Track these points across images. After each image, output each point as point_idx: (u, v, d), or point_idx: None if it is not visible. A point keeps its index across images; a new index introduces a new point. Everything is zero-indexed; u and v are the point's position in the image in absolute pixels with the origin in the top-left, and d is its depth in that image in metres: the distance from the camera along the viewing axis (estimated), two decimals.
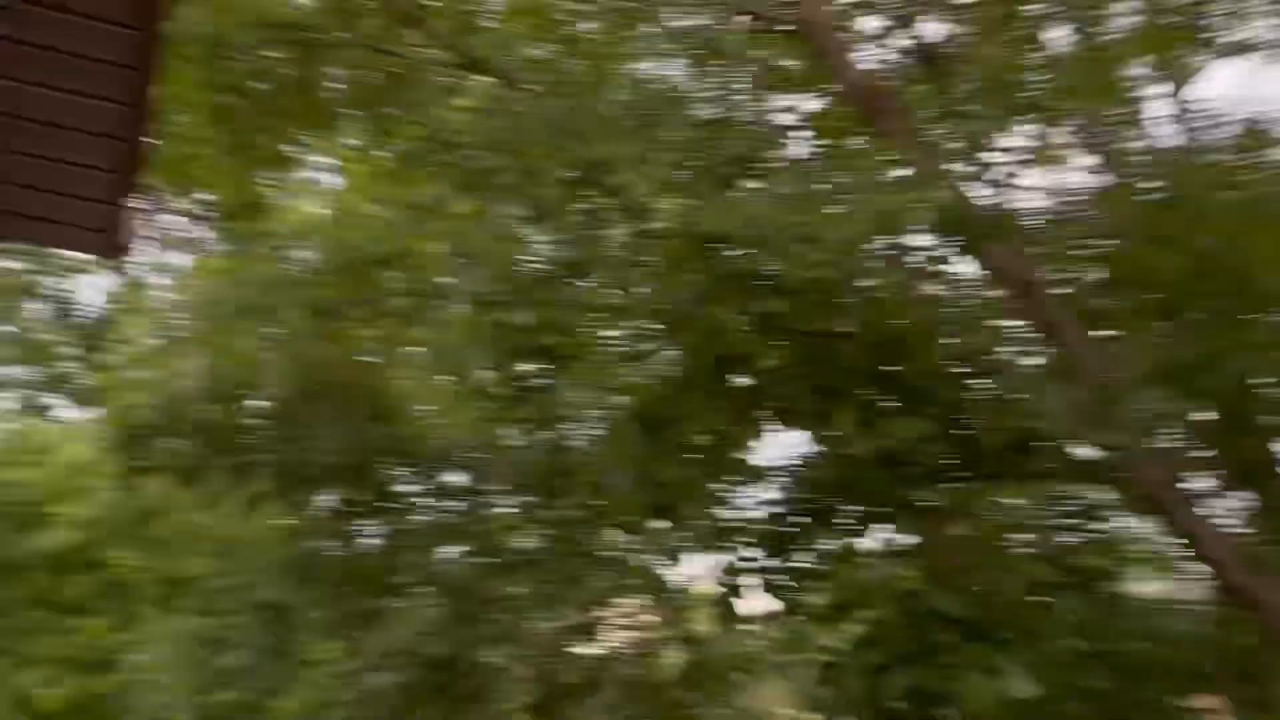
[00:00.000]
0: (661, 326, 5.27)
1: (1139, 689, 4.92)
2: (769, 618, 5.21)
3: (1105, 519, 4.76)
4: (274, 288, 7.56)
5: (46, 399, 14.60)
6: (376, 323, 8.18)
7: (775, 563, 4.94)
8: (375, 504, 9.05)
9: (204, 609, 8.84)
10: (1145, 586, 5.99)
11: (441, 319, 6.67)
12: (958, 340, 4.78)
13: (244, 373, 7.62)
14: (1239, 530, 5.56)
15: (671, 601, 7.40)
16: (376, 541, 9.20)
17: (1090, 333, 5.60)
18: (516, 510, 8.90)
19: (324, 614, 8.41)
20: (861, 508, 4.71)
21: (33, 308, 14.54)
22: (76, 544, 10.02)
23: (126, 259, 3.77)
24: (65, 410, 14.58)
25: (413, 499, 9.37)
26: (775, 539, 4.95)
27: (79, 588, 10.23)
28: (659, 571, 7.86)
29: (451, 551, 9.13)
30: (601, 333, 5.70)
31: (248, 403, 8.06)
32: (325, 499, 8.99)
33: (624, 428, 5.39)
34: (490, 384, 5.94)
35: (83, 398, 13.53)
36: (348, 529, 9.08)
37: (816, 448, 5.24)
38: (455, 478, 9.23)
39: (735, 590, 5.02)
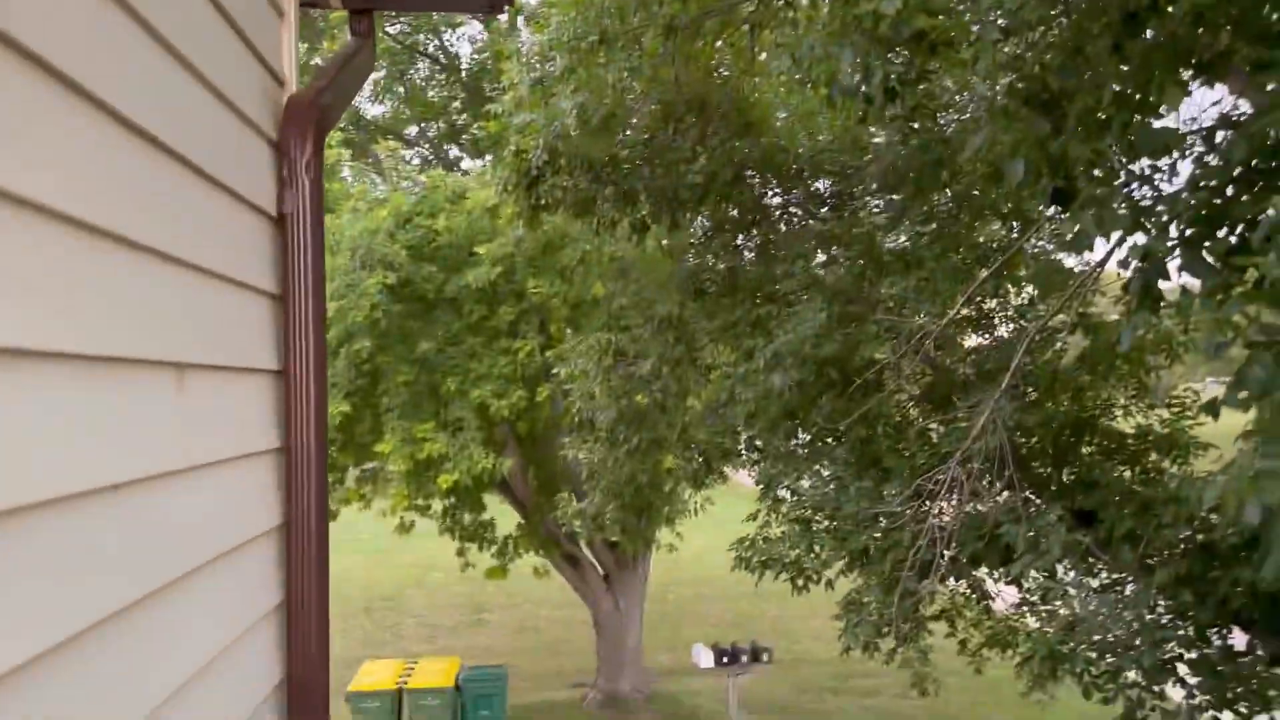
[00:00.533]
0: None
1: None
2: (1190, 298, 4.80)
3: None
4: (625, 11, 7.59)
5: (449, 151, 16.24)
6: (731, 33, 8.03)
7: (1199, 239, 4.47)
8: (747, 218, 9.31)
9: (611, 325, 9.79)
10: None
11: (799, 19, 6.39)
12: None
13: (613, 103, 7.89)
14: None
15: (1070, 288, 7.05)
16: (752, 254, 9.54)
17: None
18: (891, 211, 8.75)
19: (716, 323, 9.00)
20: None
21: (422, 68, 15.90)
22: (498, 278, 11.39)
23: (499, 8, 3.93)
24: (465, 160, 16.16)
25: (785, 209, 9.50)
26: (1201, 212, 4.45)
27: (508, 315, 11.74)
28: (1056, 258, 7.47)
29: (828, 257, 9.27)
30: (980, 6, 5.18)
31: (621, 133, 8.41)
32: (702, 217, 9.38)
33: (1013, 108, 4.98)
34: (857, 82, 5.68)
35: (478, 146, 14.87)
36: (726, 243, 9.46)
37: (1249, 103, 4.55)
38: (826, 184, 9.18)
39: (1150, 272, 4.65)
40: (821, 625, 9.09)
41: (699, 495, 11.41)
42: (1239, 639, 6.45)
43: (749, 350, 8.54)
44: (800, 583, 8.36)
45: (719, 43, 8.34)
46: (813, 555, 8.21)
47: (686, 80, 8.14)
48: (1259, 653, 6.38)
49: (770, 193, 9.37)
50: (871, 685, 14.48)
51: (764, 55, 8.41)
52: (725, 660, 12.42)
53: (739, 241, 9.60)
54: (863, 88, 5.39)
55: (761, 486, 9.31)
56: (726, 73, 8.61)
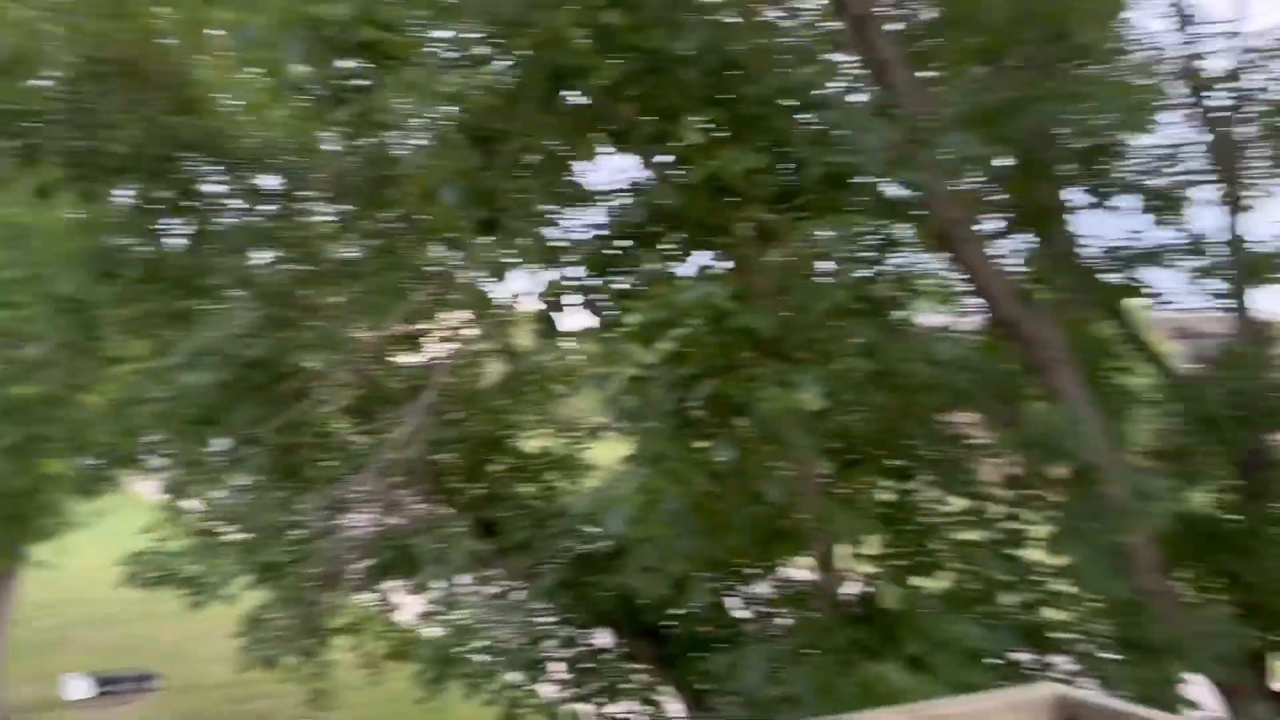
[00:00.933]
0: (494, 30, 5.03)
1: (912, 404, 5.55)
2: (586, 334, 5.43)
3: (901, 253, 5.14)
4: None
5: None
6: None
7: (597, 282, 5.09)
8: (180, 201, 8.58)
9: None
10: (930, 316, 6.59)
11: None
12: (792, 71, 4.81)
13: (25, 43, 6.80)
14: (1015, 269, 6.13)
15: (494, 316, 7.55)
16: (183, 241, 8.79)
17: (916, 73, 5.75)
18: (335, 218, 8.66)
19: (131, 311, 8.13)
20: (686, 233, 4.86)
21: None
22: None
23: None
24: None
25: (221, 199, 8.91)
26: (599, 260, 5.07)
27: None
28: (483, 287, 7.96)
29: (266, 256, 8.87)
30: (429, 33, 5.39)
31: (32, 80, 7.27)
32: (125, 192, 8.43)
33: (451, 138, 5.24)
34: (306, 79, 5.57)
35: None
36: (150, 226, 8.60)
37: (649, 172, 5.29)
38: (268, 179, 8.80)
39: (556, 307, 5.18)
40: (222, 646, 8.56)
41: (88, 505, 10.13)
42: (605, 639, 7.36)
43: (167, 344, 7.84)
44: (200, 599, 7.80)
45: (164, 9, 7.62)
46: (216, 569, 7.73)
47: (119, 38, 7.30)
48: (619, 650, 7.35)
49: (210, 179, 8.73)
50: (268, 706, 13.96)
51: (214, 29, 7.85)
52: (103, 690, 11.11)
53: (168, 225, 8.78)
54: (310, 87, 5.29)
55: (168, 495, 8.56)
56: (170, 41, 7.88)
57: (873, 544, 5.45)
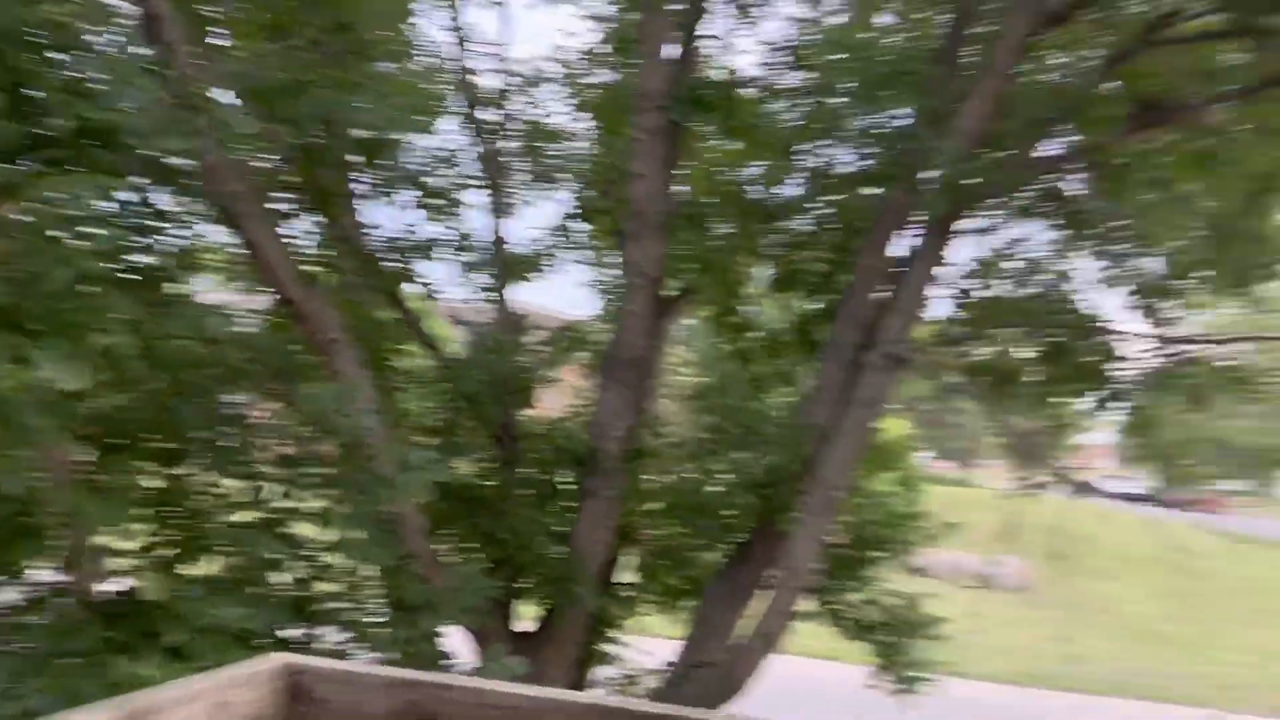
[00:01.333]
0: None
1: (184, 383, 5.26)
2: None
3: (176, 222, 4.83)
4: None
5: None
6: None
7: None
8: None
9: None
10: (211, 291, 6.34)
11: None
12: (40, 6, 4.22)
13: None
14: (301, 250, 6.20)
15: None
16: None
17: (200, 37, 5.47)
18: None
19: None
20: None
21: None
22: None
23: None
24: None
25: None
26: None
27: None
28: None
29: None
30: None
31: None
32: None
33: None
34: None
35: None
36: None
37: None
38: None
39: None
40: None
41: None
42: None
43: None
44: None
45: None
46: None
47: None
48: None
49: None
50: None
51: None
52: None
53: None
54: None
55: None
56: None
57: (136, 534, 5.06)
